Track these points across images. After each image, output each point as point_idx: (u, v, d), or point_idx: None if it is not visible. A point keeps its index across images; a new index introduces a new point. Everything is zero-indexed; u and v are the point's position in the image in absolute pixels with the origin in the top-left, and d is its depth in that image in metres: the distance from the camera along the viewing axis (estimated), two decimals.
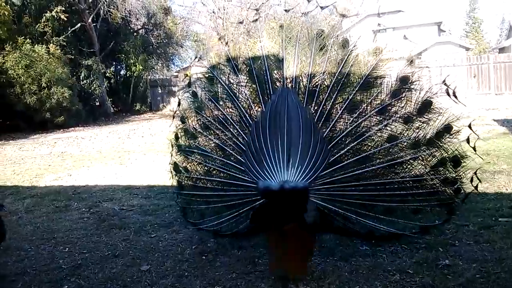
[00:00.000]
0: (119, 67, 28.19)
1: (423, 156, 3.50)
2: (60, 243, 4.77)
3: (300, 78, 3.79)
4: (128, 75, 27.68)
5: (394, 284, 3.34)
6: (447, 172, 3.52)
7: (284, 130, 3.36)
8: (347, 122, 3.54)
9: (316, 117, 3.54)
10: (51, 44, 20.38)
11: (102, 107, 25.15)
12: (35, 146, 14.18)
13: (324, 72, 3.72)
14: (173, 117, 4.51)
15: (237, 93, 4.03)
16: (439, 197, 3.59)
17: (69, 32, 22.44)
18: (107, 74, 25.57)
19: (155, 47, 28.79)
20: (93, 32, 24.12)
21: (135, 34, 28.08)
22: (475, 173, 3.62)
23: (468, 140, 3.46)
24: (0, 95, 17.91)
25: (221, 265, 3.92)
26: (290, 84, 3.77)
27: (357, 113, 3.54)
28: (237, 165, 3.62)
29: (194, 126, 4.28)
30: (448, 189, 3.56)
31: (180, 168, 4.37)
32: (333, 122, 3.53)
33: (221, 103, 4.08)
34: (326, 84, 3.68)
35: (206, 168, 4.10)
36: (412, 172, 3.52)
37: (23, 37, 19.29)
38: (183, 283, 3.62)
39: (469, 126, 3.51)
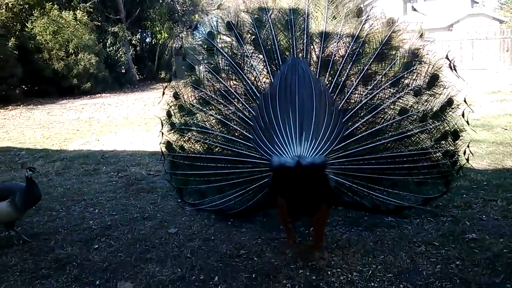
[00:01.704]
0: (144, 34, 28.14)
1: (429, 129, 3.54)
2: (90, 204, 4.92)
3: (312, 47, 3.69)
4: (153, 42, 27.66)
5: (419, 256, 3.34)
6: (448, 145, 3.62)
7: (295, 102, 3.27)
8: (362, 94, 3.49)
9: (331, 89, 3.47)
10: (78, 11, 20.44)
11: (127, 74, 25.27)
12: (63, 111, 14.45)
13: (338, 42, 3.62)
14: (163, 93, 4.15)
15: (242, 64, 3.80)
16: (440, 169, 3.67)
17: None
18: (133, 42, 25.59)
19: (181, 14, 28.59)
20: None
21: (161, 1, 27.89)
22: (467, 146, 3.73)
23: (463, 114, 3.61)
24: (28, 61, 18.15)
25: (246, 230, 3.98)
26: (300, 54, 3.63)
27: (372, 85, 3.50)
28: (243, 141, 3.55)
29: (191, 102, 4.00)
30: (447, 161, 3.66)
31: (175, 147, 4.11)
32: (348, 94, 3.47)
33: (223, 75, 3.82)
34: (340, 54, 3.60)
35: (206, 145, 3.89)
36: (419, 146, 3.55)
37: (50, 3, 19.38)
38: (210, 246, 3.70)
39: (464, 100, 3.61)
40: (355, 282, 3.05)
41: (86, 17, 20.51)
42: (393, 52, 3.59)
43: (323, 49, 3.61)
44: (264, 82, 3.71)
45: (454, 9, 30.95)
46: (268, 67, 3.68)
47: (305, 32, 3.66)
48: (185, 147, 4.03)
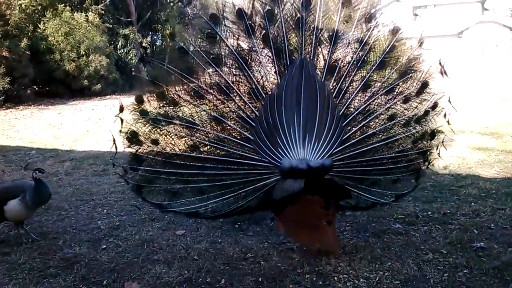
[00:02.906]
0: (155, 37, 28.31)
1: (412, 132, 3.68)
2: (98, 204, 4.96)
3: (321, 50, 3.63)
4: (163, 45, 27.82)
5: (426, 263, 3.33)
6: (424, 144, 3.76)
7: (301, 105, 3.29)
8: (361, 100, 3.55)
9: (334, 93, 3.49)
10: (90, 12, 20.61)
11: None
12: (74, 112, 14.56)
13: (346, 47, 3.60)
14: (132, 71, 3.79)
15: (249, 60, 3.52)
16: (414, 166, 3.80)
17: (107, 0, 22.63)
18: (144, 44, 25.76)
19: (191, 17, 28.73)
20: (131, 1, 24.23)
21: (171, 4, 28.07)
22: (442, 142, 3.82)
23: (445, 115, 3.71)
24: (40, 61, 18.33)
25: (253, 234, 3.99)
26: (308, 56, 3.54)
27: (371, 92, 3.57)
28: (240, 141, 3.44)
29: (177, 92, 3.53)
30: (420, 159, 3.80)
31: (142, 139, 3.57)
32: (349, 100, 3.52)
33: (224, 69, 3.52)
34: (347, 60, 3.59)
35: (191, 142, 3.55)
36: (401, 147, 3.68)
37: (63, 5, 19.57)
38: (217, 249, 3.71)
39: (449, 100, 3.71)
40: None
41: (97, 19, 20.66)
42: (394, 61, 3.64)
43: (331, 53, 3.57)
44: (271, 82, 3.57)
45: (464, 16, 30.83)
46: (276, 66, 3.53)
47: (315, 32, 3.55)
48: (160, 142, 3.56)
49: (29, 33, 18.34)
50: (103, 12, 22.00)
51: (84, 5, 21.27)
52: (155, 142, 3.56)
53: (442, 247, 3.58)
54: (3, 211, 3.82)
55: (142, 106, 3.55)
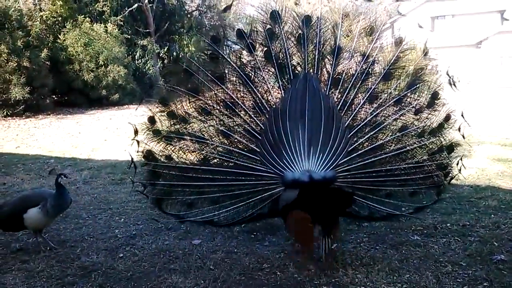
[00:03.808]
0: (172, 48, 28.66)
1: (426, 144, 3.67)
2: (116, 213, 5.00)
3: (324, 63, 3.76)
4: (181, 56, 28.11)
5: (445, 276, 3.28)
6: (442, 158, 3.72)
7: (305, 117, 3.39)
8: (367, 112, 3.62)
9: (339, 106, 3.58)
10: (109, 23, 20.96)
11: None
12: (92, 121, 14.76)
13: (349, 60, 3.72)
14: (141, 101, 3.99)
15: (252, 76, 3.72)
16: (433, 180, 3.77)
17: (126, 12, 22.99)
18: (161, 55, 26.06)
19: (208, 28, 29.01)
20: (149, 12, 24.58)
21: (189, 15, 28.40)
22: (460, 159, 3.77)
23: (459, 129, 3.70)
24: (60, 72, 18.66)
25: (269, 244, 3.98)
26: (311, 70, 3.70)
27: (378, 103, 3.63)
28: (247, 153, 3.57)
29: (187, 110, 3.77)
30: (440, 173, 3.75)
31: (158, 157, 3.80)
32: (355, 112, 3.59)
33: (229, 85, 3.73)
34: (351, 72, 3.69)
35: (202, 156, 3.75)
36: (415, 159, 3.67)
37: (82, 16, 19.95)
38: (233, 259, 3.70)
39: (462, 115, 3.70)
40: None
41: (116, 30, 20.99)
42: (399, 72, 3.70)
43: (334, 67, 3.70)
44: (274, 96, 3.72)
45: (483, 26, 30.55)
46: (280, 81, 3.69)
47: (317, 47, 3.70)
48: (174, 157, 3.79)
49: (49, 44, 18.69)
50: (121, 23, 22.36)
51: (103, 16, 21.66)
52: (169, 157, 3.78)
53: (461, 259, 3.52)
54: (23, 219, 3.86)
55: (155, 126, 3.78)
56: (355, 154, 3.47)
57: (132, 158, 3.83)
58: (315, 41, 3.72)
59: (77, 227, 4.61)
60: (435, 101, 3.68)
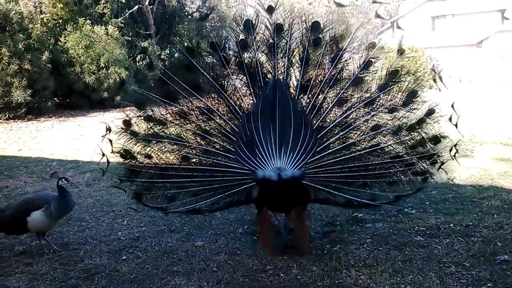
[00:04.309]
0: (173, 49, 28.70)
1: (404, 140, 3.76)
2: (118, 216, 5.00)
3: (293, 70, 3.95)
4: (182, 58, 28.14)
5: (449, 276, 3.27)
6: (425, 150, 3.77)
7: (276, 120, 3.58)
8: (337, 114, 3.79)
9: (308, 109, 3.78)
10: (109, 26, 20.96)
11: None
12: (93, 124, 14.74)
13: (318, 67, 3.88)
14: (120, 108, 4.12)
15: (225, 85, 3.92)
16: (415, 169, 3.84)
17: (126, 14, 23.04)
18: (162, 56, 26.09)
19: (209, 30, 29.04)
20: (150, 14, 24.63)
21: (189, 17, 28.44)
22: (455, 145, 3.74)
23: (450, 119, 3.65)
24: (61, 74, 18.63)
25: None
26: (281, 76, 3.89)
27: (347, 106, 3.79)
28: (223, 153, 3.75)
29: (163, 115, 3.92)
30: (424, 162, 3.80)
31: (136, 155, 3.91)
32: (324, 114, 3.78)
33: (203, 94, 3.91)
34: (319, 79, 3.86)
35: (181, 155, 3.91)
36: (392, 154, 3.77)
37: (83, 18, 19.95)
38: (236, 261, 3.70)
39: (452, 106, 3.64)
40: None
41: (117, 32, 20.99)
42: (371, 76, 3.84)
43: (303, 73, 3.88)
44: (246, 101, 3.92)
45: (483, 26, 30.53)
46: (251, 88, 3.90)
47: (287, 55, 3.90)
48: (153, 156, 3.92)
49: (50, 46, 18.69)
50: (122, 25, 22.39)
51: (104, 19, 21.67)
52: (149, 156, 3.90)
53: (465, 260, 3.52)
54: (26, 222, 3.87)
55: (131, 128, 3.90)
56: (326, 152, 3.65)
57: (103, 154, 3.96)
58: (285, 49, 3.91)
59: (80, 229, 4.62)
60: (413, 100, 3.74)
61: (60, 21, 19.92)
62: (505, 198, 4.95)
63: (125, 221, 4.79)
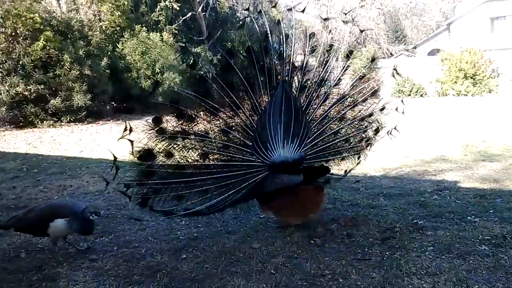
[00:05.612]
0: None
1: (357, 127, 4.82)
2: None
3: (295, 73, 4.57)
4: (222, 59, 28.51)
5: None
6: (368, 135, 4.93)
7: (281, 117, 4.25)
8: (323, 109, 4.60)
9: (305, 106, 4.49)
10: (164, 32, 21.62)
11: None
12: None
13: (313, 70, 4.60)
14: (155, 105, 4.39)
15: (253, 84, 4.30)
16: (357, 149, 4.94)
17: (180, 20, 23.68)
18: (214, 62, 26.53)
19: (259, 35, 29.27)
20: (202, 21, 25.22)
21: (241, 23, 28.82)
22: (395, 127, 4.99)
23: (397, 109, 4.82)
24: (119, 79, 19.41)
25: (330, 250, 3.95)
26: (287, 78, 4.45)
27: (329, 103, 4.63)
28: (240, 147, 4.24)
29: (194, 112, 4.12)
30: (364, 144, 4.91)
31: (157, 154, 3.99)
32: (314, 110, 4.57)
33: (233, 91, 4.22)
34: (314, 80, 4.58)
35: (203, 152, 4.15)
36: (347, 136, 4.81)
37: (139, 25, 20.69)
38: (293, 264, 3.70)
39: (402, 101, 4.89)
40: None
41: (171, 38, 21.63)
42: (346, 81, 4.71)
43: (303, 76, 4.59)
44: (264, 99, 4.38)
45: None
46: (268, 88, 4.36)
47: (290, 61, 4.47)
48: (175, 153, 4.04)
49: (109, 53, 19.52)
50: (176, 32, 23.01)
51: (159, 26, 22.39)
52: (170, 154, 4.03)
53: None
54: (47, 227, 3.91)
55: (161, 125, 3.97)
56: (317, 140, 4.50)
57: (115, 158, 4.04)
58: (289, 56, 4.48)
59: (141, 228, 4.77)
60: (373, 96, 4.75)
61: (118, 28, 20.75)
62: None
63: (184, 221, 4.89)
